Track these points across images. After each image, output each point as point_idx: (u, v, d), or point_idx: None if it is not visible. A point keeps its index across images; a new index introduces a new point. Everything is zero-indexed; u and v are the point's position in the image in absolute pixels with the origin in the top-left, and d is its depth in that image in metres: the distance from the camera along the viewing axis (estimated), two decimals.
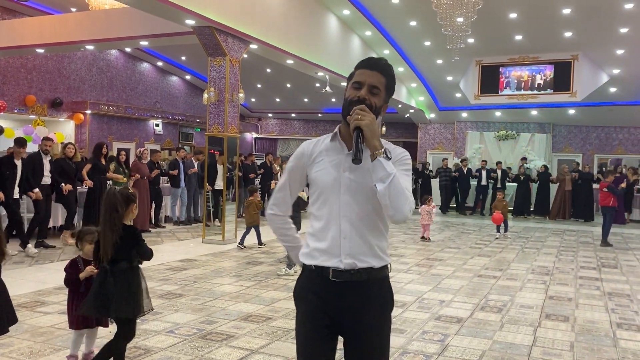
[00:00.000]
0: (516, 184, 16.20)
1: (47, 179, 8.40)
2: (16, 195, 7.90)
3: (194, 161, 12.32)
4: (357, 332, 2.03)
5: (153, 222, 11.34)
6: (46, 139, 8.69)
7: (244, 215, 9.84)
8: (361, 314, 2.01)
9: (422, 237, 10.56)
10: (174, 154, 14.39)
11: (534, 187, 16.32)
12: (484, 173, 16.14)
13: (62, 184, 8.55)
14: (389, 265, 2.13)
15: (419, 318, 5.15)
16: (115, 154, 11.18)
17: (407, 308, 5.49)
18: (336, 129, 2.08)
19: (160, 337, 4.39)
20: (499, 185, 15.72)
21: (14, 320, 3.26)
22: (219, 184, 11.06)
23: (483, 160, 16.79)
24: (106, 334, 4.50)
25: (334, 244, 2.00)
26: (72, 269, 3.67)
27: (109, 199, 3.35)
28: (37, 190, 8.03)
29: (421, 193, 15.97)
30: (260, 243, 9.17)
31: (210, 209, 11.61)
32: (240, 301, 5.60)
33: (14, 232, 7.95)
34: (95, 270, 3.55)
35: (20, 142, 7.94)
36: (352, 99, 2.01)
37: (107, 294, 3.30)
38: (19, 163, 7.88)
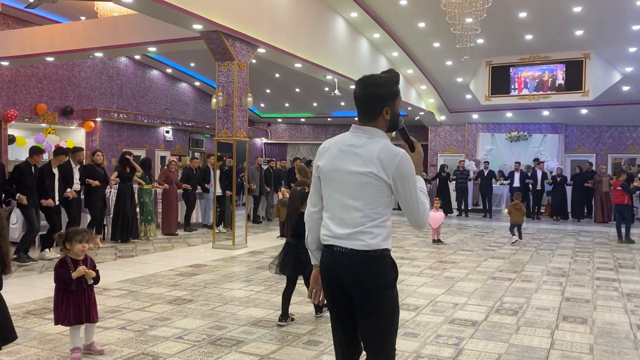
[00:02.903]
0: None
1: (76, 186, 8.83)
2: (56, 202, 8.29)
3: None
4: None
5: (184, 225, 11.79)
6: (78, 149, 9.26)
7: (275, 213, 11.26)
8: None
9: (434, 240, 10.43)
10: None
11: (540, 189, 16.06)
12: (516, 175, 15.93)
13: (90, 180, 9.01)
14: None
15: (433, 322, 5.04)
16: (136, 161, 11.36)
17: (420, 311, 5.39)
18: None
19: (169, 343, 4.32)
20: (538, 187, 15.54)
21: (11, 337, 3.22)
22: (218, 190, 11.38)
23: (516, 162, 16.56)
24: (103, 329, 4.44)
25: None
26: (63, 268, 3.91)
27: (293, 196, 4.96)
28: (69, 189, 8.45)
29: (437, 196, 15.76)
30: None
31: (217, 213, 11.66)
32: (250, 306, 5.52)
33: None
34: (88, 271, 3.92)
35: (36, 150, 8.10)
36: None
37: (302, 259, 4.66)
38: (56, 171, 8.29)
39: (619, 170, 11.47)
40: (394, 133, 2.64)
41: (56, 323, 3.98)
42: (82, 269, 3.90)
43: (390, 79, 2.46)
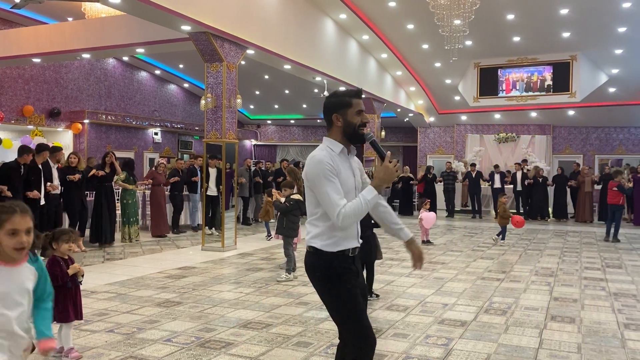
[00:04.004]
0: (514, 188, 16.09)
1: (56, 189, 8.65)
2: (42, 201, 8.15)
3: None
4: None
5: (172, 227, 11.67)
6: (57, 148, 9.07)
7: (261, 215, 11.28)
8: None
9: (424, 241, 10.45)
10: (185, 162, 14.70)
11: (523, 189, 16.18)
12: (497, 177, 16.06)
13: (69, 176, 8.84)
14: None
15: (422, 322, 5.04)
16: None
17: (410, 312, 5.39)
18: (342, 147, 2.68)
19: (157, 346, 4.28)
20: (519, 188, 15.67)
21: None
22: (213, 191, 11.33)
23: (495, 165, 16.70)
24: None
25: (353, 230, 2.68)
26: (57, 266, 3.99)
27: None
28: (49, 183, 8.31)
29: (424, 197, 15.83)
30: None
31: (209, 215, 11.58)
32: (240, 308, 5.50)
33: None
34: (81, 268, 4.08)
35: (25, 150, 8.03)
36: (363, 122, 2.68)
37: (365, 248, 4.32)
38: (41, 167, 8.18)
39: (614, 171, 11.65)
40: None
41: (52, 321, 3.96)
42: (76, 266, 4.05)
43: (346, 91, 2.74)
